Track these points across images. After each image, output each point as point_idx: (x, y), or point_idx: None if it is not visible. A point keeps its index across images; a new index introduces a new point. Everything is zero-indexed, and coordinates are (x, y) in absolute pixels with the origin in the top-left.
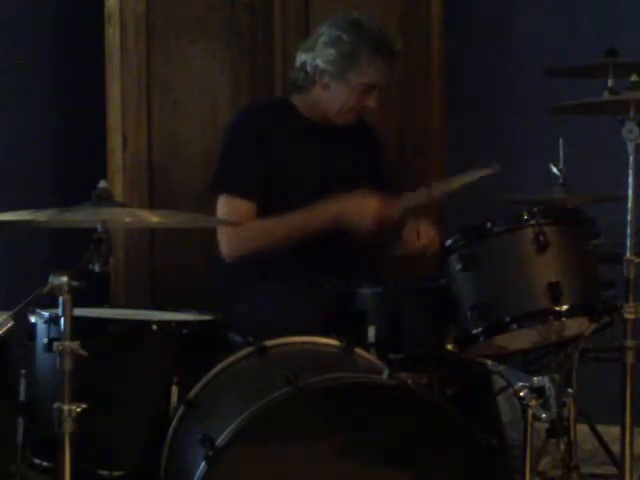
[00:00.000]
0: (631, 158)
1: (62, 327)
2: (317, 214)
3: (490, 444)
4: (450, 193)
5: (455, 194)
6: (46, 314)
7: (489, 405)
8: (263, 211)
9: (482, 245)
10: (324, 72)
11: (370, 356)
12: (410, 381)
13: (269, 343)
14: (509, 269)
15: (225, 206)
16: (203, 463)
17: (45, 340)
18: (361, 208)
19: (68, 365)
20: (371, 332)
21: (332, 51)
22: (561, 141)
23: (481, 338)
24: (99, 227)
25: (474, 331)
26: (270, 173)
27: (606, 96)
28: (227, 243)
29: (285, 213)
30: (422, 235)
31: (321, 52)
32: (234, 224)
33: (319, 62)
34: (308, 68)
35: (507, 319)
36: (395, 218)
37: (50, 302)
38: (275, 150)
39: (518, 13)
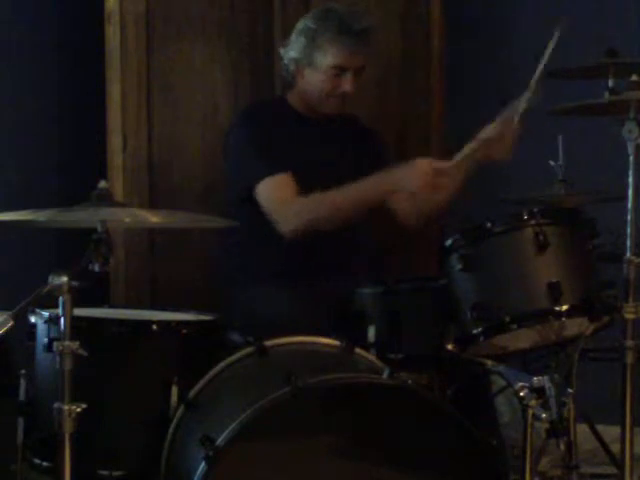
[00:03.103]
0: (631, 158)
1: (62, 327)
2: (374, 184)
3: (489, 444)
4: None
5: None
6: (46, 314)
7: (486, 405)
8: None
9: (482, 245)
10: (297, 61)
11: (370, 356)
12: (410, 381)
13: (269, 343)
14: (509, 269)
15: (268, 188)
16: (203, 463)
17: (45, 340)
18: (413, 173)
19: (68, 365)
20: (371, 332)
21: (301, 39)
22: (560, 140)
23: (481, 338)
24: (99, 227)
25: (474, 331)
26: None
27: (606, 96)
28: (285, 220)
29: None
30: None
31: (293, 43)
32: (234, 224)
33: (292, 53)
34: (286, 61)
35: (507, 319)
36: (449, 177)
37: (50, 302)
38: (275, 147)
39: (518, 13)
